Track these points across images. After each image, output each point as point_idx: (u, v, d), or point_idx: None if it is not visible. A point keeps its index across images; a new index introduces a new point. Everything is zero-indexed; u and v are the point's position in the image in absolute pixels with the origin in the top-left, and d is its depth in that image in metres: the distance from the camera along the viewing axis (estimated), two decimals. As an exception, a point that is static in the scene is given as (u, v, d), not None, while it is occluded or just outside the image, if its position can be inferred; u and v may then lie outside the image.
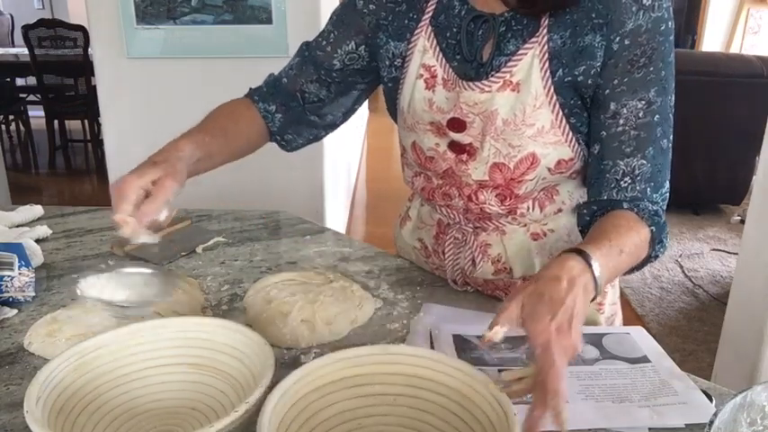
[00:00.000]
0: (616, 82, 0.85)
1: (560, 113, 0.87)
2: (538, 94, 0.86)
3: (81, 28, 4.63)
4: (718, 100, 3.73)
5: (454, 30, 0.91)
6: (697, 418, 0.73)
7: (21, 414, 0.65)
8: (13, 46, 6.64)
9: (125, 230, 0.78)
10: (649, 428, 0.72)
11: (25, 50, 4.77)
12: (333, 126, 1.14)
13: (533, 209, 0.96)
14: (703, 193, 4.06)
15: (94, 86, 2.61)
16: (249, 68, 2.46)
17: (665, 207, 0.89)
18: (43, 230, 1.26)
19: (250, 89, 1.11)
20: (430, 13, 0.93)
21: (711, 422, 0.56)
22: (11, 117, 5.91)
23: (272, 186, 2.51)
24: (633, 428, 0.72)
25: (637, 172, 0.86)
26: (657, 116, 0.86)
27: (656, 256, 0.87)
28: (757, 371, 1.88)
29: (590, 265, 0.73)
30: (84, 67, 4.55)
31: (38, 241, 1.20)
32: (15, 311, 0.97)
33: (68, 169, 5.45)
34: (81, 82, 5.03)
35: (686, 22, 6.47)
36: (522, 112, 0.86)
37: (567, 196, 0.97)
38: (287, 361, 0.85)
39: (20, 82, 5.84)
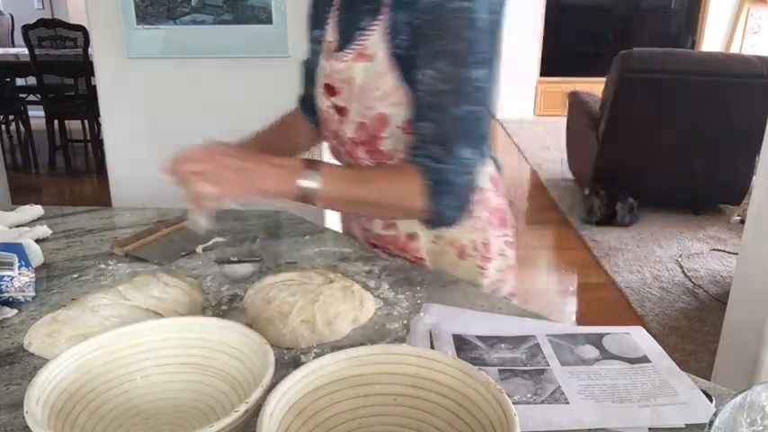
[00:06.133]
0: (417, 53, 0.95)
1: (401, 78, 0.98)
2: (383, 62, 0.98)
3: (81, 28, 4.64)
4: (718, 100, 3.73)
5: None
6: (697, 418, 0.73)
7: (21, 414, 0.65)
8: (13, 46, 6.65)
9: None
10: (649, 428, 0.72)
11: (25, 50, 4.78)
12: None
13: None
14: (703, 193, 4.06)
15: (94, 86, 2.60)
16: (249, 68, 2.49)
17: (463, 171, 0.96)
18: (43, 230, 1.26)
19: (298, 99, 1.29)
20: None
21: (711, 422, 0.55)
22: (11, 117, 5.91)
23: (272, 186, 2.50)
24: (633, 428, 0.72)
25: (423, 132, 0.97)
26: (447, 85, 0.93)
27: (439, 213, 0.97)
28: (757, 371, 1.88)
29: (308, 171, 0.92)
30: (85, 67, 4.56)
31: (38, 241, 1.20)
32: (15, 311, 0.97)
33: (68, 169, 5.45)
34: (81, 82, 5.05)
35: (686, 22, 6.48)
36: (374, 79, 0.99)
37: None
38: (287, 361, 0.85)
39: (20, 82, 5.85)
